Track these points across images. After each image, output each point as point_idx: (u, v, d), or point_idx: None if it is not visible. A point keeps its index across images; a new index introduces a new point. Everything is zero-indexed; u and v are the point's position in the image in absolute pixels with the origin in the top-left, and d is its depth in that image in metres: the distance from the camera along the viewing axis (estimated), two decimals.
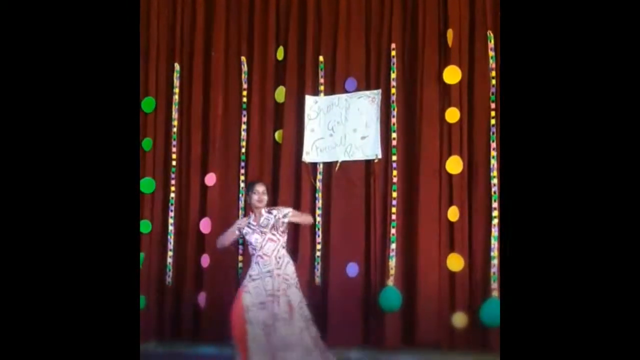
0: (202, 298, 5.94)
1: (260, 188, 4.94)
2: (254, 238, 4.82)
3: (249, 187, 5.07)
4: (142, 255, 6.21)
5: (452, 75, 5.66)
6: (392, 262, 5.65)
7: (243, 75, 6.30)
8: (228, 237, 5.01)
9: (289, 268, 4.83)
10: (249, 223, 4.92)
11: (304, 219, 5.18)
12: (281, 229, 4.87)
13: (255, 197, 4.90)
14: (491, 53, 5.64)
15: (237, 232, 4.98)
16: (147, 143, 6.35)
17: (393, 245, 5.68)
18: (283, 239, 4.89)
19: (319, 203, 5.97)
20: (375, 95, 5.92)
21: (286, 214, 4.89)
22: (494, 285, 5.30)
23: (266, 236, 4.82)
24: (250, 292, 4.71)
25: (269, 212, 4.89)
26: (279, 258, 4.80)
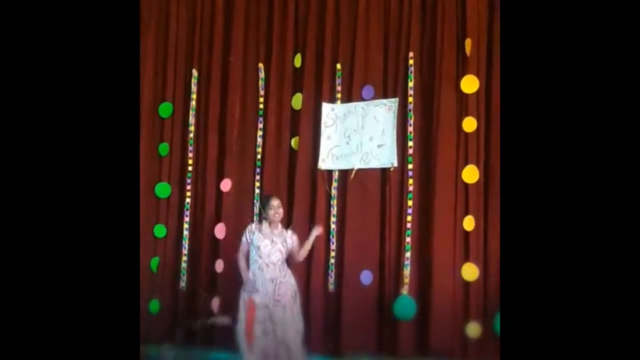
0: (216, 303, 5.93)
1: (275, 202, 5.02)
2: (264, 243, 4.90)
3: (264, 201, 5.17)
4: (156, 259, 6.23)
5: (470, 84, 5.66)
6: (407, 271, 5.64)
7: (260, 82, 6.32)
8: (244, 250, 5.02)
9: (292, 279, 4.95)
10: (260, 230, 5.00)
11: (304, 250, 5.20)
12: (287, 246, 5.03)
13: (271, 212, 4.99)
14: None
15: (246, 241, 5.02)
16: (163, 148, 6.38)
17: (408, 254, 5.67)
18: (286, 254, 5.02)
19: (334, 210, 5.97)
20: (392, 103, 5.92)
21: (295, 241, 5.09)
22: None
23: (276, 246, 4.92)
24: (260, 293, 4.81)
25: (292, 234, 5.08)
26: (282, 269, 4.92)
